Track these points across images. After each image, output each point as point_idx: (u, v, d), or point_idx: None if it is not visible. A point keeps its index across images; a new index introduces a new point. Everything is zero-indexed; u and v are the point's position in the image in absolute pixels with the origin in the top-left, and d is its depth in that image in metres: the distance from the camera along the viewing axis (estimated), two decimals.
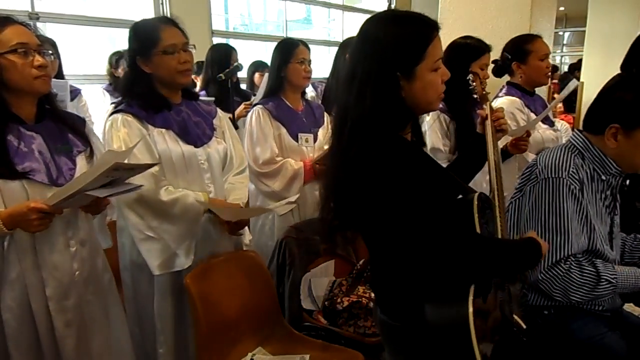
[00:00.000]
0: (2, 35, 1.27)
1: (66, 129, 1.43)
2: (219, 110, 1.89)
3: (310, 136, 2.32)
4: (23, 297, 1.33)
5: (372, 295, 2.01)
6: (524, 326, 1.20)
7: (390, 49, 1.05)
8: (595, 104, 1.45)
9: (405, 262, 1.09)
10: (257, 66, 3.76)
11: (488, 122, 1.31)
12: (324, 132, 2.38)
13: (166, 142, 1.65)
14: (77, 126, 1.47)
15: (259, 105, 2.25)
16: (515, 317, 1.21)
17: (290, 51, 2.23)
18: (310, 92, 2.75)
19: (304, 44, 2.29)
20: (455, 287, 1.05)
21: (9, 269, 1.31)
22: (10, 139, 1.30)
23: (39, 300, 1.34)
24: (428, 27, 1.09)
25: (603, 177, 1.44)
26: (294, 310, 2.03)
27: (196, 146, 1.71)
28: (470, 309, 1.01)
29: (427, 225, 1.01)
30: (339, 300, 1.98)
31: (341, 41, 3.38)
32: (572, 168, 1.40)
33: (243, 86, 3.90)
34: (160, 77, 1.64)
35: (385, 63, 1.05)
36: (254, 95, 2.96)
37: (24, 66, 1.27)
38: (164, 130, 1.65)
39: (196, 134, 1.72)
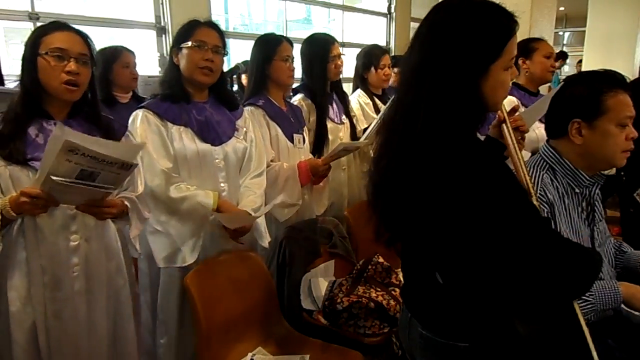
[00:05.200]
0: (49, 37, 1.34)
1: (97, 131, 1.43)
2: (245, 111, 1.92)
3: (302, 137, 2.22)
4: (27, 279, 1.36)
5: (372, 295, 2.01)
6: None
7: (468, 43, 0.93)
8: (551, 108, 1.44)
9: (488, 276, 0.95)
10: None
11: (506, 126, 1.28)
12: (310, 133, 2.32)
13: (182, 139, 1.69)
14: (111, 132, 1.47)
15: (250, 106, 2.08)
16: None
17: (273, 48, 2.10)
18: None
19: (287, 39, 2.16)
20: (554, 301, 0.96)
21: (17, 249, 1.35)
22: (30, 131, 1.34)
23: (38, 286, 1.37)
24: (509, 20, 0.97)
25: (577, 190, 1.41)
26: (294, 310, 2.03)
27: (213, 145, 1.74)
28: (585, 326, 0.97)
29: (522, 233, 0.90)
30: (339, 300, 1.98)
31: (340, 41, 3.36)
32: (540, 190, 1.35)
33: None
34: (183, 71, 1.71)
35: (462, 59, 0.94)
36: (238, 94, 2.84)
37: (54, 68, 1.33)
38: (182, 128, 1.70)
39: (215, 132, 1.75)
